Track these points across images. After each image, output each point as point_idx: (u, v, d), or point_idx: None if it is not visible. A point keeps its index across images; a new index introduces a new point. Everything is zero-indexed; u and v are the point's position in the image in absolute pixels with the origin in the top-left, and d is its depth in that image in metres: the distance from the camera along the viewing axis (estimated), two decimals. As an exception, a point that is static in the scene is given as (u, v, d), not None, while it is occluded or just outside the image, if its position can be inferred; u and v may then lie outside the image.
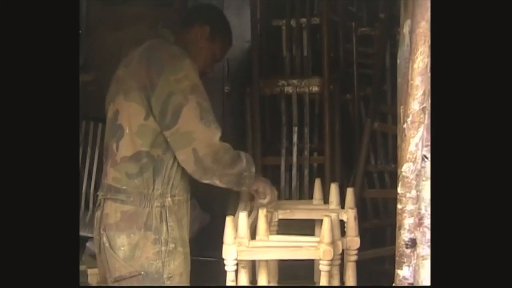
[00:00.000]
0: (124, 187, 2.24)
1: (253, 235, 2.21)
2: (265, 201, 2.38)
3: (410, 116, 1.51)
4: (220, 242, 2.14)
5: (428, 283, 1.54)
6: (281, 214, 2.52)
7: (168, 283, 2.24)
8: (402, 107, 1.58)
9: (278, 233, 2.50)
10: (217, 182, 2.23)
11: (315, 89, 3.67)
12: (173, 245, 2.25)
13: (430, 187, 1.50)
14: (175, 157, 2.23)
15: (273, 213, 2.48)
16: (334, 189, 2.56)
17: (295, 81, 3.67)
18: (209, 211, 3.59)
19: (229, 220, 2.13)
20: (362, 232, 2.42)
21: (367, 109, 3.72)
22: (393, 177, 3.51)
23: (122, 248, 2.22)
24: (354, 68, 3.80)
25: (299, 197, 3.61)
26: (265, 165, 3.73)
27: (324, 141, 3.67)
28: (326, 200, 2.63)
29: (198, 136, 2.16)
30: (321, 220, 2.12)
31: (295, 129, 3.67)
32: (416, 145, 1.51)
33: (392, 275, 1.67)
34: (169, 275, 2.24)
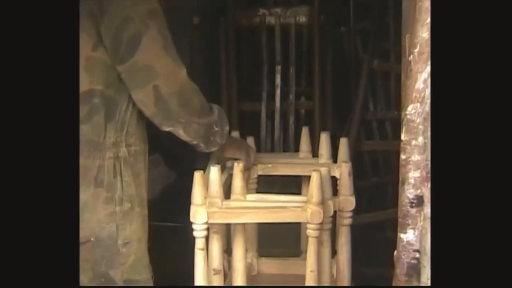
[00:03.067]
0: (69, 135, 2.21)
1: (227, 194, 2.21)
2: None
3: (418, 46, 1.47)
4: (188, 204, 2.12)
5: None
6: (261, 170, 2.51)
7: (123, 251, 2.23)
8: (407, 35, 1.55)
9: (257, 191, 2.49)
10: (180, 132, 2.20)
11: (302, 19, 3.64)
12: (129, 205, 2.23)
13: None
14: (130, 99, 2.20)
15: (252, 168, 2.47)
16: (324, 139, 2.54)
17: (278, 10, 3.64)
18: (175, 169, 3.57)
19: (198, 176, 2.11)
20: (359, 192, 2.43)
21: (365, 45, 3.70)
22: (396, 126, 3.52)
23: (68, 210, 2.20)
24: (350, -5, 3.78)
25: (283, 149, 3.63)
26: (242, 111, 3.73)
27: (313, 83, 3.66)
28: (315, 153, 2.61)
29: (162, 71, 2.12)
30: (309, 177, 2.11)
31: (278, 68, 3.66)
32: (424, 81, 1.48)
33: (394, 243, 1.67)
34: (125, 241, 2.23)
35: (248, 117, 3.80)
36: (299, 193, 2.55)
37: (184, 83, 2.17)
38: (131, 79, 2.15)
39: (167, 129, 2.19)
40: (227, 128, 2.30)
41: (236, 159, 2.34)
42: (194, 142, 2.24)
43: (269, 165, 2.52)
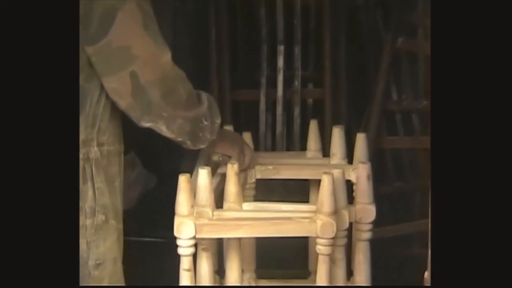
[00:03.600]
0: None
1: (219, 202, 2.20)
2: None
3: (452, 21, 1.48)
4: (171, 215, 2.13)
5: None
6: (260, 172, 2.51)
7: (96, 274, 2.22)
8: (439, 8, 1.55)
9: (255, 199, 2.50)
10: (162, 128, 2.20)
11: (310, -11, 3.65)
12: (103, 217, 2.23)
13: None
14: (102, 88, 2.20)
15: (248, 170, 2.47)
16: (337, 135, 2.54)
17: (280, -23, 3.64)
18: (155, 171, 3.57)
19: (183, 180, 2.11)
20: (380, 199, 2.43)
21: (388, 19, 3.69)
22: (425, 119, 3.51)
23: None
24: (367, -43, 3.78)
25: (287, 147, 3.63)
26: (237, 101, 3.72)
27: (323, 67, 3.66)
28: (326, 151, 2.62)
29: (141, 54, 2.11)
30: (319, 181, 2.11)
31: (281, 48, 3.66)
32: (460, 63, 1.48)
33: (423, 261, 1.68)
34: (98, 262, 2.22)
35: (244, 108, 3.79)
36: (306, 201, 2.56)
37: (168, 69, 2.17)
38: (103, 64, 2.14)
39: (146, 124, 2.19)
40: (218, 121, 2.29)
41: (229, 157, 2.35)
42: (179, 139, 2.24)
43: (270, 167, 2.52)
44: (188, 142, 2.26)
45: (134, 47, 2.11)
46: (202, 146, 2.30)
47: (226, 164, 2.30)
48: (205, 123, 2.25)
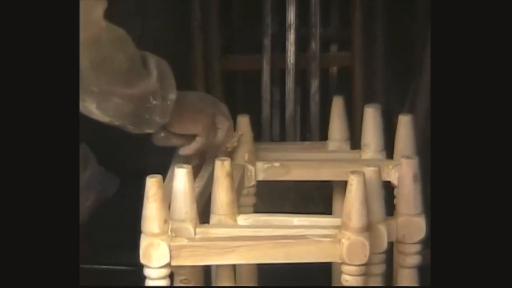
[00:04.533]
0: None
1: (204, 214, 2.22)
2: (191, 147, 2.39)
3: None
4: (137, 234, 2.13)
5: None
6: (263, 172, 2.54)
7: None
8: None
9: (255, 210, 2.52)
10: (92, 109, 2.22)
11: None
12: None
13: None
14: None
15: (246, 168, 2.50)
16: (371, 118, 2.56)
17: None
18: (116, 171, 3.58)
19: (153, 184, 2.10)
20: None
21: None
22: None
23: None
24: None
25: (301, 136, 3.65)
26: (229, 71, 3.73)
27: (351, 22, 3.67)
28: (355, 142, 2.65)
29: None
30: (344, 183, 2.12)
31: (292, -4, 3.67)
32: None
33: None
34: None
35: (241, 80, 3.79)
36: (328, 213, 2.59)
37: (100, 29, 2.18)
38: None
39: None
40: (172, 96, 2.31)
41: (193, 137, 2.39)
42: (116, 123, 2.27)
43: (276, 164, 2.55)
44: (130, 127, 2.29)
45: None
46: (149, 131, 2.34)
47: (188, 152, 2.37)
48: (154, 102, 2.27)
